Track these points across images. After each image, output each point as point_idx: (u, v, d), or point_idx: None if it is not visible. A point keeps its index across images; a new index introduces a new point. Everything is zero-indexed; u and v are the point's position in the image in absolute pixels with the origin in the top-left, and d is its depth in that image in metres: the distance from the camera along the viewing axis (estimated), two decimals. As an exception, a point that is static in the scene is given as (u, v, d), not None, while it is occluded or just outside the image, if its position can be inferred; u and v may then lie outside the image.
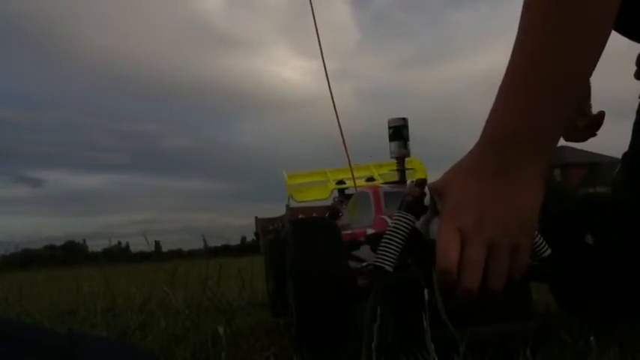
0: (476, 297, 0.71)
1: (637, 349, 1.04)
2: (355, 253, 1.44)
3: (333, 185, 3.58)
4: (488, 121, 0.66)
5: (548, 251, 1.28)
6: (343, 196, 3.39)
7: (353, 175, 3.04)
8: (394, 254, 1.21)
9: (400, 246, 1.22)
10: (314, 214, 3.28)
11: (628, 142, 1.43)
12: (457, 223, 0.69)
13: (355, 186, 3.03)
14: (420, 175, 2.42)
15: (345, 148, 2.79)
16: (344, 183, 3.52)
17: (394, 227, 1.24)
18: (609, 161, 40.21)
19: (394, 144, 1.98)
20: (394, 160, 2.03)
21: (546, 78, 0.60)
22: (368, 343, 0.97)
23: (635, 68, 1.09)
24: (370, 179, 3.30)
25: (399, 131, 1.98)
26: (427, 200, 1.33)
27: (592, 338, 0.95)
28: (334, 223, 1.61)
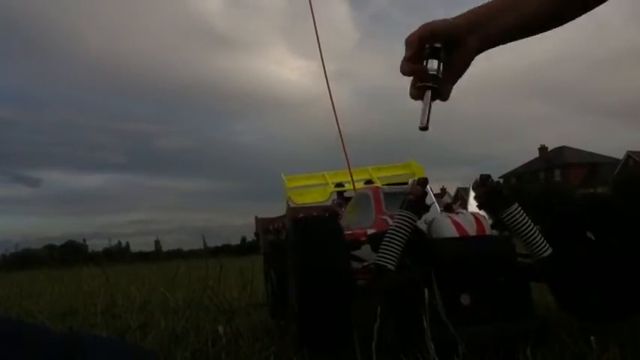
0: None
1: (637, 349, 1.04)
2: (356, 252, 1.44)
3: (332, 188, 3.58)
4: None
5: (549, 251, 1.28)
6: (342, 198, 3.39)
7: (352, 178, 3.03)
8: (396, 253, 1.21)
9: (402, 245, 1.22)
10: (314, 214, 3.27)
11: (626, 143, 1.44)
12: None
13: (354, 189, 3.02)
14: None
15: (345, 153, 2.78)
16: (343, 186, 3.52)
17: (396, 226, 1.24)
18: (609, 162, 40.21)
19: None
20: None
21: None
22: (368, 342, 0.96)
23: None
24: (369, 182, 3.30)
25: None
26: (429, 199, 1.33)
27: (592, 338, 0.95)
28: (337, 222, 1.60)
